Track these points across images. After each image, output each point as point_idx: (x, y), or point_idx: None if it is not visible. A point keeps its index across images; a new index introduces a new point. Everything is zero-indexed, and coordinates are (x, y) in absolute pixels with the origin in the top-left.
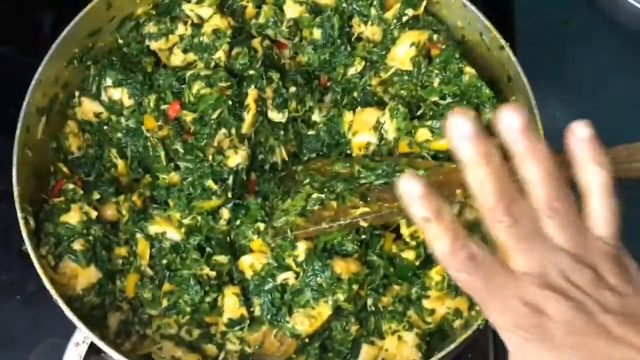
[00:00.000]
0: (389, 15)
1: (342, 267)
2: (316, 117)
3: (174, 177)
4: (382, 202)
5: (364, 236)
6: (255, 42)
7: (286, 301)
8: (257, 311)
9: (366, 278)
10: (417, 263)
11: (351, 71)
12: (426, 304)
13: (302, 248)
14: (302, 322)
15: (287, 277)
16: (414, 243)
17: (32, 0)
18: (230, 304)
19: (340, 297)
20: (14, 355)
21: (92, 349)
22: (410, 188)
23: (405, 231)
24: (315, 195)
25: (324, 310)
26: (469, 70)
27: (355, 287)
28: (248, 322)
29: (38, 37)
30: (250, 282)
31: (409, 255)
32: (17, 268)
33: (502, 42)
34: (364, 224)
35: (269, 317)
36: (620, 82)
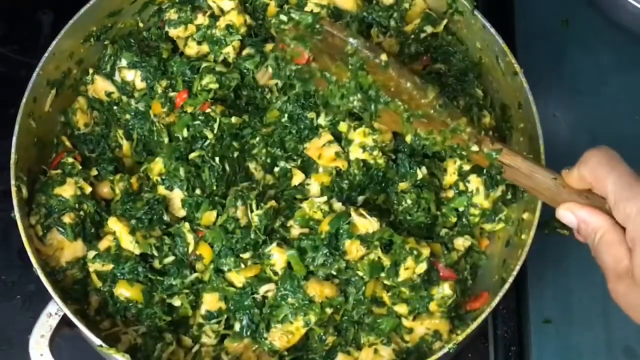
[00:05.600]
0: (408, 29)
1: (316, 290)
2: None
3: None
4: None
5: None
6: (268, 47)
7: (265, 315)
8: (236, 327)
9: (342, 306)
10: (411, 318)
11: None
12: (405, 322)
13: (277, 257)
14: (280, 339)
15: (268, 289)
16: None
17: (32, 0)
18: (210, 298)
19: (312, 318)
20: (14, 355)
21: (66, 322)
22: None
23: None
24: None
25: (302, 325)
26: None
27: (328, 310)
28: (225, 316)
29: (38, 37)
30: (230, 299)
31: (401, 309)
32: (17, 268)
33: (517, 67)
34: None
35: (248, 333)
36: (620, 82)
